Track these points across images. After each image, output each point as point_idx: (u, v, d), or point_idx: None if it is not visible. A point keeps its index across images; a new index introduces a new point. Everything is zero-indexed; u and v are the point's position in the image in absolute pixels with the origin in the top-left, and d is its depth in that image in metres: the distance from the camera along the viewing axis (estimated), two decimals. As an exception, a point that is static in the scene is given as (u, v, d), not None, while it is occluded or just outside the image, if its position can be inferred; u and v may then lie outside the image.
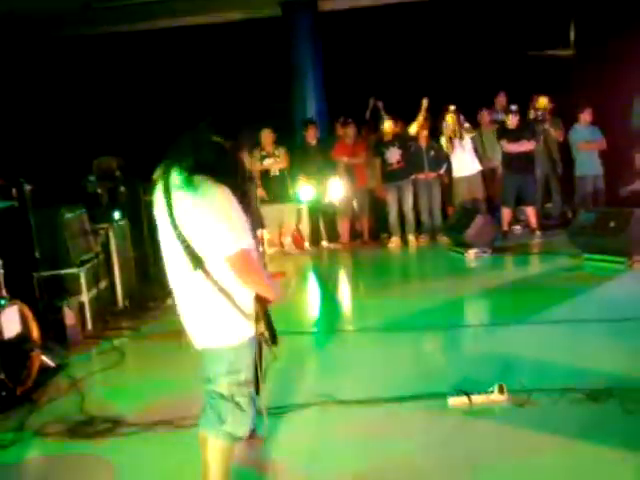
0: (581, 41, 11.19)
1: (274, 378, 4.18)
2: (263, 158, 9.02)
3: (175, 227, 2.47)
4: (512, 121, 8.81)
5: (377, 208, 9.65)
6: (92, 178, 7.06)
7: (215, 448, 2.62)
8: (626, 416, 3.30)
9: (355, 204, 9.52)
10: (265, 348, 2.73)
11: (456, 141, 9.02)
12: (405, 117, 9.22)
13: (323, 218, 9.58)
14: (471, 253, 7.90)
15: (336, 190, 9.30)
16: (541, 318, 5.15)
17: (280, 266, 8.46)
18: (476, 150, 9.29)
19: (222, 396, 2.59)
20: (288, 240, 9.48)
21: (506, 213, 9.03)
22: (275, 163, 9.06)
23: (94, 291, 6.06)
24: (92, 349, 5.42)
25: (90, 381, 4.65)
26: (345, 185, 9.31)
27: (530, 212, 9.02)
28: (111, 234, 6.55)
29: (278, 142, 9.18)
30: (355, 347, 5.07)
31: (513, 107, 8.89)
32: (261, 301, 2.57)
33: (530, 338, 4.78)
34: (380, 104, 9.47)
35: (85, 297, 5.81)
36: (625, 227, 6.67)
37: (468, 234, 7.92)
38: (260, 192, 7.32)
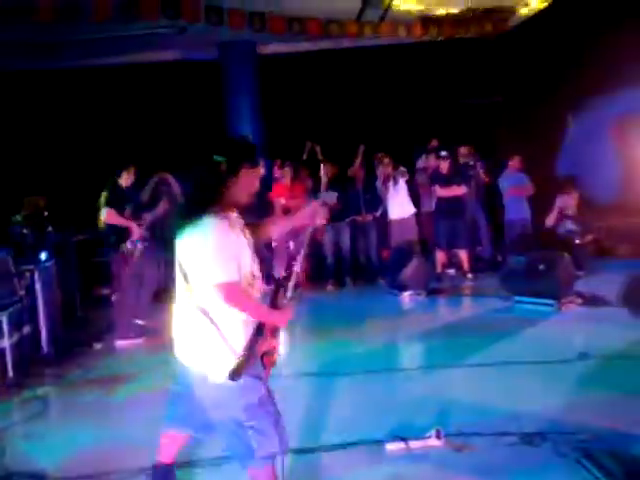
0: (509, 89, 11.71)
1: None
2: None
3: (179, 261, 2.62)
4: (443, 166, 9.06)
5: (314, 250, 9.65)
6: (18, 218, 6.80)
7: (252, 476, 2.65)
8: (560, 460, 3.32)
9: (292, 246, 9.49)
10: None
11: (390, 184, 9.19)
12: (342, 161, 9.34)
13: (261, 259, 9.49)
14: (406, 295, 7.97)
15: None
16: (475, 360, 5.19)
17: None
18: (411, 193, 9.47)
19: (239, 426, 2.58)
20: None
21: (440, 256, 9.19)
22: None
23: (16, 337, 5.75)
24: (13, 398, 5.10)
25: (10, 433, 4.37)
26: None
27: (462, 255, 9.21)
28: (36, 276, 6.27)
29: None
30: (289, 393, 4.94)
31: (443, 153, 9.14)
32: (263, 332, 2.59)
33: (465, 381, 4.81)
34: (317, 148, 9.53)
35: (6, 343, 5.50)
36: (554, 270, 6.89)
37: (404, 276, 8.00)
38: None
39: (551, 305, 6.77)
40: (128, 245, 6.49)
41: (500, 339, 5.83)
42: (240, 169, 2.61)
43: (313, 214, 3.07)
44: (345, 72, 10.96)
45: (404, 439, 3.60)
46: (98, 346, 6.53)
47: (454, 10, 9.56)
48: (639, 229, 10.34)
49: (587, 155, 10.82)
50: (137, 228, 6.57)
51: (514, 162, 9.35)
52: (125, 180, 6.69)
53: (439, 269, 9.15)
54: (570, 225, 8.93)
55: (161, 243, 6.92)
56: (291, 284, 2.83)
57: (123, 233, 6.53)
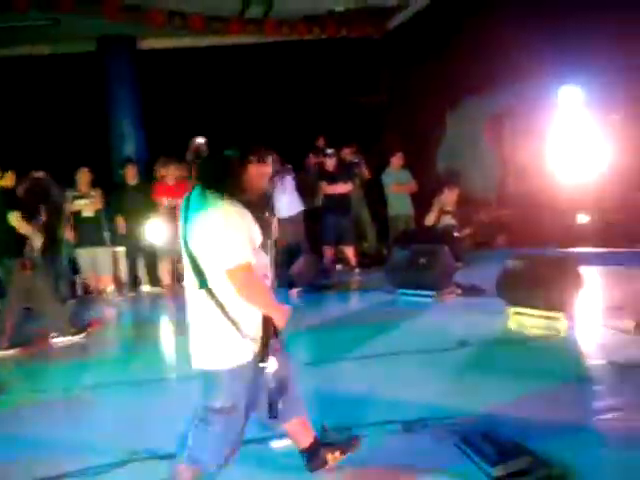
0: (393, 88, 12.04)
1: (88, 434, 3.89)
2: (76, 199, 8.50)
3: (186, 245, 2.62)
4: (329, 164, 9.17)
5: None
6: None
7: (175, 470, 2.67)
8: (439, 444, 3.43)
9: (178, 246, 9.27)
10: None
11: (278, 182, 9.16)
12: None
13: (143, 261, 9.21)
14: (294, 291, 8.00)
15: (157, 232, 9.00)
16: (359, 353, 5.28)
17: (99, 314, 7.98)
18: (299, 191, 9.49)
19: (199, 419, 2.63)
20: (107, 286, 8.98)
21: (327, 252, 9.29)
22: (89, 204, 8.57)
23: None
24: None
25: None
26: (167, 227, 9.04)
27: (348, 251, 9.36)
28: None
29: (95, 182, 8.73)
30: (179, 396, 4.82)
31: (329, 151, 9.25)
32: (267, 325, 2.59)
33: (350, 373, 4.88)
34: (203, 145, 9.38)
35: None
36: (434, 262, 7.14)
37: (292, 272, 8.02)
38: (69, 235, 6.81)
39: (432, 296, 7.03)
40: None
41: (384, 331, 5.96)
42: (248, 163, 2.62)
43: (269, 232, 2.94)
44: (231, 69, 10.85)
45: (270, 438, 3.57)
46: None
47: (338, 9, 9.70)
48: (514, 221, 10.97)
49: (465, 152, 11.35)
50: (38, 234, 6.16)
51: (396, 159, 9.61)
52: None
53: (327, 265, 9.25)
54: (449, 220, 9.30)
55: (52, 253, 6.57)
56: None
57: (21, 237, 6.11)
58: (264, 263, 2.68)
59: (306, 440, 3.15)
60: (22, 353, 6.10)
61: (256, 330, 2.60)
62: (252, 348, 2.58)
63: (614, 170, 9.89)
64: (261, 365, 2.56)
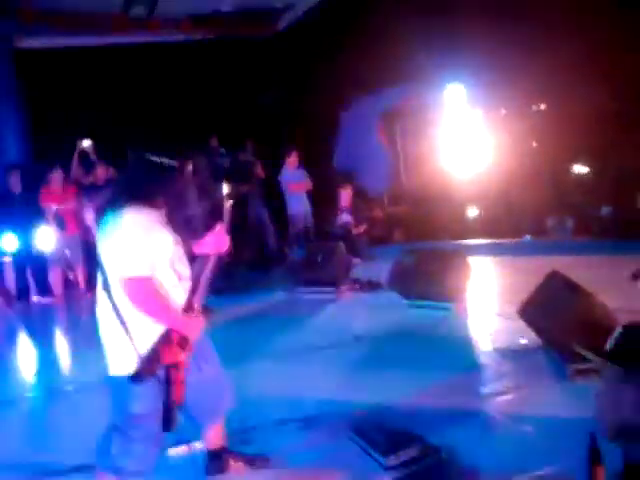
0: (287, 88, 12.11)
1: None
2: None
3: (98, 252, 2.57)
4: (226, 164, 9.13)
5: (93, 256, 9.15)
6: None
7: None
8: (335, 438, 3.50)
9: (68, 253, 8.91)
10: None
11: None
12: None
13: (32, 270, 8.79)
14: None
15: (46, 239, 8.62)
16: (258, 352, 5.27)
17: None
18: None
19: (114, 426, 2.59)
20: (-6, 297, 8.51)
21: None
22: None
23: None
24: None
25: None
26: (55, 234, 8.67)
27: (247, 250, 9.33)
28: None
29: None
30: (75, 408, 4.64)
31: (222, 150, 9.21)
32: (161, 339, 2.49)
33: (250, 374, 4.85)
34: (90, 148, 9.08)
35: None
36: (331, 259, 7.27)
37: (191, 277, 7.90)
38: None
39: (330, 292, 7.15)
40: None
41: (284, 330, 6.01)
42: (185, 167, 2.61)
43: (218, 241, 2.88)
44: (119, 69, 10.55)
45: (187, 442, 3.54)
46: None
47: (223, 9, 9.65)
48: (408, 216, 11.34)
49: (359, 150, 11.60)
50: None
51: (292, 158, 9.69)
52: None
53: (224, 266, 9.18)
54: (345, 217, 9.49)
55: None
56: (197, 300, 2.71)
57: None
58: (177, 274, 2.65)
59: (215, 443, 3.15)
60: None
61: (148, 340, 2.55)
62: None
63: (497, 165, 10.42)
64: (131, 380, 2.50)
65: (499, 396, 3.93)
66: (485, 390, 4.13)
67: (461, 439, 3.30)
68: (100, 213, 2.65)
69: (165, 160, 2.62)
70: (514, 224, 9.78)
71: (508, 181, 10.21)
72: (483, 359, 4.73)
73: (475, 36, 9.07)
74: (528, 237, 9.50)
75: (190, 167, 2.71)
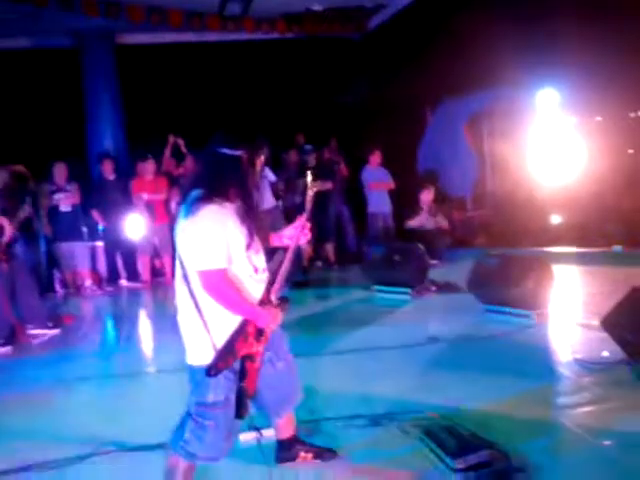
0: (373, 87, 12.11)
1: (66, 428, 3.91)
2: (53, 193, 8.48)
3: (177, 245, 2.63)
4: (310, 161, 9.23)
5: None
6: None
7: (170, 461, 2.71)
8: (404, 438, 3.50)
9: (156, 241, 9.29)
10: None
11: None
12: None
13: (122, 256, 9.22)
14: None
15: (135, 227, 9.02)
16: (334, 348, 5.35)
17: (77, 308, 8.00)
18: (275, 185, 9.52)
19: (189, 413, 2.67)
20: (85, 280, 8.97)
21: (306, 249, 9.35)
22: (66, 198, 8.55)
23: None
24: None
25: None
26: (145, 222, 9.06)
27: (328, 248, 9.43)
28: None
29: (71, 177, 8.72)
30: (154, 390, 4.86)
31: (308, 147, 9.31)
32: (237, 331, 2.58)
33: (323, 368, 4.93)
34: (181, 141, 9.42)
35: None
36: (409, 260, 7.24)
37: (268, 269, 8.05)
38: (47, 229, 6.82)
39: (407, 293, 7.12)
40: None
41: (358, 327, 6.05)
42: (257, 160, 2.64)
43: (298, 233, 2.94)
44: (212, 66, 10.86)
45: (258, 429, 3.63)
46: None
47: (316, 8, 9.76)
48: (490, 220, 11.10)
49: (444, 151, 11.46)
50: (10, 225, 6.02)
51: (374, 157, 9.68)
52: None
53: (305, 262, 9.31)
54: (427, 218, 9.41)
55: (32, 243, 6.53)
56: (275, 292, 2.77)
57: None
58: (253, 266, 2.69)
59: (286, 432, 3.23)
60: (14, 351, 6.01)
61: (226, 332, 2.61)
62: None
63: (589, 172, 10.04)
64: (207, 372, 2.55)
65: (577, 408, 3.80)
66: (563, 401, 4.01)
67: (534, 449, 3.22)
68: (178, 206, 2.73)
69: (237, 152, 2.62)
70: (603, 233, 9.40)
71: (600, 188, 9.81)
72: (562, 370, 4.58)
73: (570, 40, 8.79)
74: (618, 247, 9.10)
75: (262, 159, 2.74)
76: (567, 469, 3.08)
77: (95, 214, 8.93)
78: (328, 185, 9.26)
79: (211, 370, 2.54)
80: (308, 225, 2.94)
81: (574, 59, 9.23)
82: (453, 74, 10.24)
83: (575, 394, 4.05)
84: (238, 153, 2.62)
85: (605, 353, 4.59)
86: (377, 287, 7.50)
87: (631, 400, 3.84)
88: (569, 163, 10.59)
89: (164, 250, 9.25)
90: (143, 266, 9.24)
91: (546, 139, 10.92)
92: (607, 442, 3.30)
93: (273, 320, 2.71)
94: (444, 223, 9.66)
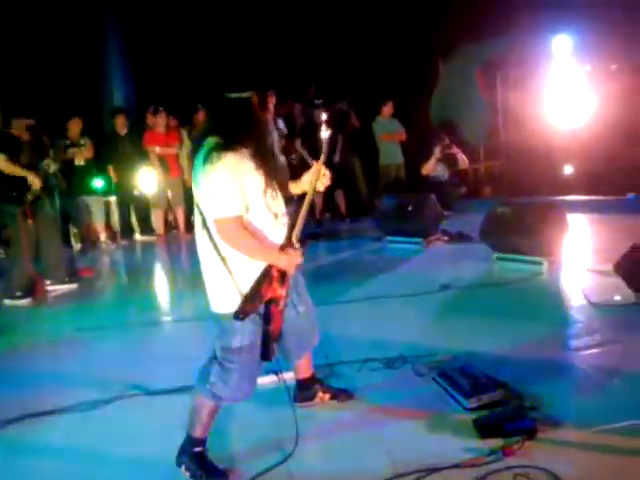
0: (383, 38, 11.89)
1: (85, 373, 4.04)
2: (67, 148, 8.51)
3: (195, 193, 2.62)
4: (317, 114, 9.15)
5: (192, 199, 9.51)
6: None
7: (197, 402, 2.78)
8: (418, 378, 3.59)
9: (170, 195, 9.33)
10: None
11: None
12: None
13: (135, 210, 9.29)
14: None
15: (148, 181, 9.05)
16: (347, 297, 5.43)
17: (93, 262, 8.12)
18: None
19: (214, 357, 2.73)
20: (100, 234, 9.07)
21: (317, 200, 9.36)
22: (80, 153, 8.58)
23: None
24: None
25: None
26: (158, 176, 9.08)
27: (339, 199, 9.44)
28: None
29: (85, 131, 8.72)
30: (172, 338, 4.99)
31: (317, 101, 9.22)
32: (261, 276, 2.60)
33: (337, 316, 4.99)
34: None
35: None
36: (421, 210, 7.25)
37: (288, 214, 8.09)
38: (62, 183, 6.88)
39: (419, 243, 7.16)
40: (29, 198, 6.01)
41: (371, 276, 6.12)
42: (268, 101, 2.63)
43: (315, 179, 2.86)
44: (217, 15, 10.68)
45: (276, 372, 3.72)
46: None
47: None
48: (503, 170, 11.04)
49: (457, 101, 11.30)
50: (37, 179, 6.04)
51: (387, 107, 9.59)
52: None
53: (317, 214, 9.34)
54: (440, 168, 9.37)
55: (53, 196, 6.58)
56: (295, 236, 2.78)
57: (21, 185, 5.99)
58: (273, 212, 2.68)
59: (306, 372, 3.35)
60: (32, 303, 6.15)
61: (250, 278, 2.63)
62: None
63: (602, 121, 9.91)
64: (235, 317, 2.59)
65: (589, 350, 3.86)
66: (575, 344, 4.06)
67: (546, 389, 3.29)
68: (192, 156, 2.72)
69: (246, 94, 2.59)
70: (617, 181, 9.33)
71: (613, 137, 9.70)
72: (574, 313, 4.64)
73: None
74: (631, 195, 9.05)
75: (274, 99, 2.69)
76: (578, 408, 3.16)
77: (111, 169, 8.97)
78: (339, 137, 9.20)
79: (240, 314, 2.58)
80: (325, 171, 2.92)
81: (590, 5, 9.03)
82: (466, 22, 10.04)
83: (586, 336, 4.10)
84: (247, 95, 2.60)
85: (617, 297, 4.64)
86: (390, 238, 7.54)
87: (640, 341, 3.90)
88: (582, 112, 10.45)
89: (177, 203, 9.31)
90: (157, 220, 9.31)
91: (560, 87, 10.75)
92: (616, 381, 3.37)
93: (294, 262, 2.73)
94: (463, 161, 9.59)
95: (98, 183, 8.80)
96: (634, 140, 9.52)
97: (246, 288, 2.62)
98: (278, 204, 2.75)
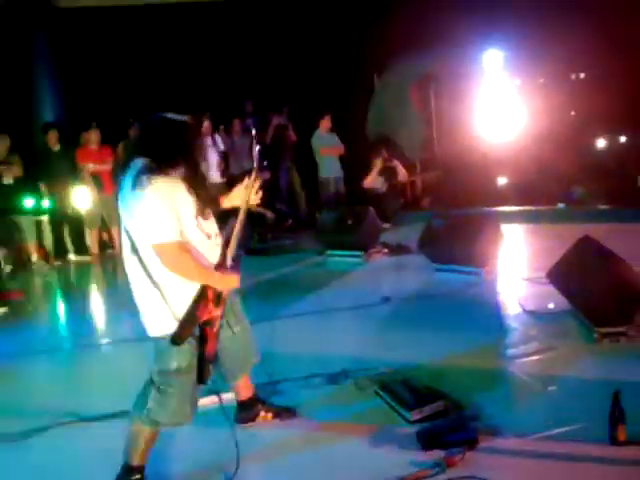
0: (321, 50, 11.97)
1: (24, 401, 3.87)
2: (-7, 166, 8.17)
3: (123, 219, 2.56)
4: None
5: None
6: None
7: (134, 428, 2.71)
8: (360, 394, 3.59)
9: (104, 213, 9.06)
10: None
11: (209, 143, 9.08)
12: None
13: (69, 229, 9.01)
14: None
15: (82, 198, 8.80)
16: (289, 312, 5.39)
17: (25, 284, 7.82)
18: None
19: (151, 382, 2.67)
20: (31, 255, 8.73)
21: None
22: (8, 171, 8.23)
23: None
24: None
25: None
26: (92, 193, 8.83)
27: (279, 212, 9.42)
28: None
29: (13, 148, 8.40)
30: (108, 361, 4.83)
31: (252, 119, 9.21)
32: (197, 298, 2.55)
33: (279, 332, 4.96)
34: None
35: None
36: (361, 223, 7.30)
37: (224, 236, 8.01)
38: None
39: (359, 256, 7.19)
40: None
41: (313, 291, 6.11)
42: (202, 125, 2.57)
43: (248, 193, 2.86)
44: (152, 30, 10.53)
45: (217, 392, 3.65)
46: None
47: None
48: (439, 182, 11.26)
49: (393, 115, 11.48)
50: None
51: (325, 121, 9.62)
52: None
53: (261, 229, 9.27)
54: (379, 181, 9.48)
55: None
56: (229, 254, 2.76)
57: None
58: (206, 233, 2.66)
59: (245, 393, 3.29)
60: None
61: (184, 301, 2.58)
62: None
63: (532, 133, 10.26)
64: (172, 342, 2.56)
65: (526, 358, 3.95)
66: (512, 352, 4.14)
67: (486, 398, 3.35)
68: (116, 175, 2.67)
69: (179, 116, 2.57)
70: (548, 191, 9.64)
71: (541, 149, 10.05)
72: (510, 322, 4.75)
73: (516, 3, 8.88)
74: (562, 205, 9.37)
75: (206, 124, 2.71)
76: (517, 416, 3.21)
77: (41, 186, 8.66)
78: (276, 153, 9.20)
79: (177, 339, 2.54)
80: (257, 184, 2.90)
81: (519, 21, 9.35)
82: (400, 37, 10.21)
83: (523, 344, 4.20)
84: (184, 118, 2.58)
85: (551, 305, 4.77)
86: (330, 252, 7.55)
87: (575, 348, 4.01)
88: (514, 125, 10.78)
89: (112, 222, 9.04)
90: (91, 239, 9.05)
91: (492, 100, 11.07)
92: (552, 388, 3.45)
93: (230, 283, 2.72)
94: (403, 174, 9.74)
95: (28, 202, 8.46)
96: (560, 151, 9.88)
97: (180, 311, 2.57)
98: (210, 224, 2.73)
